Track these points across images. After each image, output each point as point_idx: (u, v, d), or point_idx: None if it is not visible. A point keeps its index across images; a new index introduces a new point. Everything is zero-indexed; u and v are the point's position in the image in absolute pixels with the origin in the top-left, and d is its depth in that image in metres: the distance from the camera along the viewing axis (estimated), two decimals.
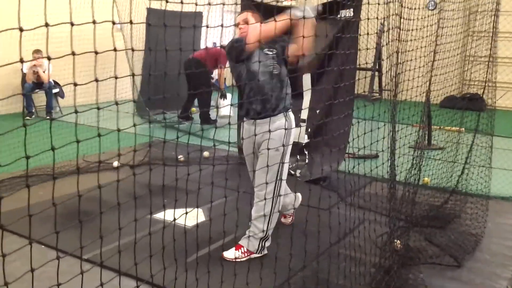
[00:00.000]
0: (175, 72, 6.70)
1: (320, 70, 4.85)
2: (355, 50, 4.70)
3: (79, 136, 1.46)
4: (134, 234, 1.77)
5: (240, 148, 5.61)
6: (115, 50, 1.47)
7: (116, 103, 1.64)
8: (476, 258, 3.27)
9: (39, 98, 8.59)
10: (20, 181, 4.49)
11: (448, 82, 4.29)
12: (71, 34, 1.22)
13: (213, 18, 8.04)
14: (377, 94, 10.54)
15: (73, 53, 1.31)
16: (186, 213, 2.13)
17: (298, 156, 5.25)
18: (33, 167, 4.79)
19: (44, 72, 8.05)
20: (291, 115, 3.15)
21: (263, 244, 3.13)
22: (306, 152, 5.28)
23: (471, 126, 4.55)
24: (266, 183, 2.91)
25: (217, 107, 8.08)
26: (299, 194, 3.71)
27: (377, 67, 10.51)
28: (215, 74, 9.20)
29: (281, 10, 4.94)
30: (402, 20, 2.94)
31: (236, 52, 2.96)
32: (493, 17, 4.18)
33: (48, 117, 7.99)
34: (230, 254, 3.11)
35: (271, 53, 3.06)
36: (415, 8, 3.18)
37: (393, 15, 2.87)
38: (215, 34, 8.69)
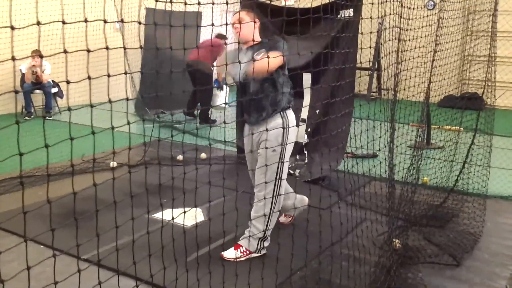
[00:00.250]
0: (175, 72, 6.67)
1: (319, 69, 4.84)
2: (355, 49, 4.70)
3: (77, 136, 1.46)
4: (132, 233, 1.77)
5: (239, 147, 5.61)
6: (107, 48, 1.51)
7: (110, 101, 1.65)
8: (475, 257, 3.28)
9: (39, 98, 8.59)
10: (20, 181, 4.49)
11: (447, 81, 4.30)
12: (62, 32, 1.23)
13: (214, 18, 8.02)
14: (376, 94, 10.54)
15: (65, 51, 1.35)
16: (184, 212, 2.13)
17: (297, 156, 5.25)
18: (32, 167, 4.79)
19: (43, 72, 8.05)
20: (289, 114, 3.11)
21: (262, 244, 3.14)
22: (306, 152, 5.29)
23: (470, 125, 4.55)
24: (266, 183, 2.91)
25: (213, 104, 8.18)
26: (305, 197, 3.64)
27: (376, 66, 10.50)
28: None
29: (277, 9, 4.96)
30: (401, 19, 2.94)
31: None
32: (491, 16, 4.18)
33: (45, 116, 7.98)
34: (230, 254, 3.11)
35: (259, 57, 2.91)
36: (414, 8, 3.18)
37: (391, 14, 2.88)
38: (213, 32, 8.68)
